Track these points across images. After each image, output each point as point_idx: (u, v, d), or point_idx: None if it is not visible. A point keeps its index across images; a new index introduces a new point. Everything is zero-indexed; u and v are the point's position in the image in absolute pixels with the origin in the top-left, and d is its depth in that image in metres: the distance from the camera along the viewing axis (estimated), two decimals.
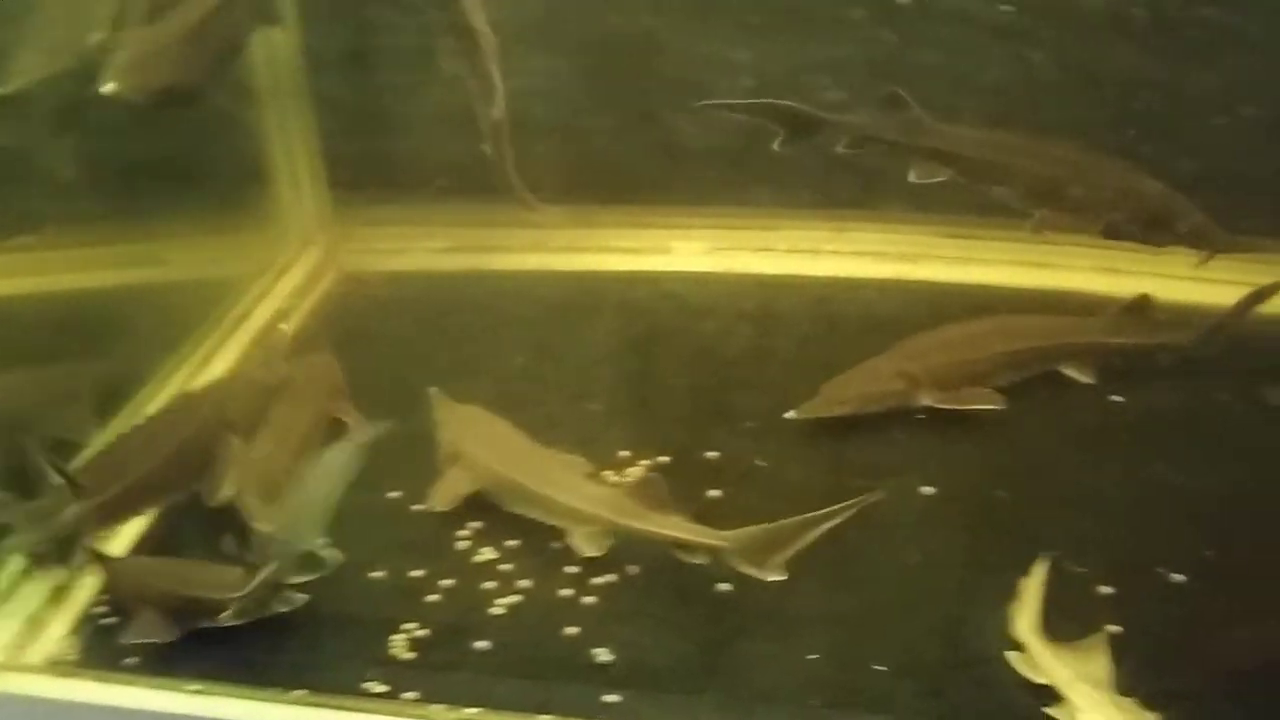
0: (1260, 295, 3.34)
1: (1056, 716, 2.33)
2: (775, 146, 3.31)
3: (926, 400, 3.20)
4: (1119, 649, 2.48)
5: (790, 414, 3.14)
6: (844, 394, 3.18)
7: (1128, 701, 2.30)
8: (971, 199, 3.44)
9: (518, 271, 4.03)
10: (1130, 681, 2.38)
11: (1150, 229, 3.24)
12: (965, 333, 3.36)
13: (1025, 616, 2.54)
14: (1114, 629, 2.54)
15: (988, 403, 3.19)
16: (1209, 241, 3.23)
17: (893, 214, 4.05)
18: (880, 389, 3.19)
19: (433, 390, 3.19)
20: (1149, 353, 3.38)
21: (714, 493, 2.96)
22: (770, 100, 3.32)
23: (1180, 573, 2.72)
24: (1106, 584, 2.68)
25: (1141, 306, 3.43)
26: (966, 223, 4.05)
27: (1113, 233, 3.27)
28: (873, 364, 3.27)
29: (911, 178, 3.34)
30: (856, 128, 3.33)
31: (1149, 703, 2.31)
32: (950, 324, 3.37)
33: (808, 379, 3.32)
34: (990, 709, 2.42)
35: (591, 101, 3.91)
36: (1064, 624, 2.53)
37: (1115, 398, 3.32)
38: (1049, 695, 2.38)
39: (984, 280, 3.93)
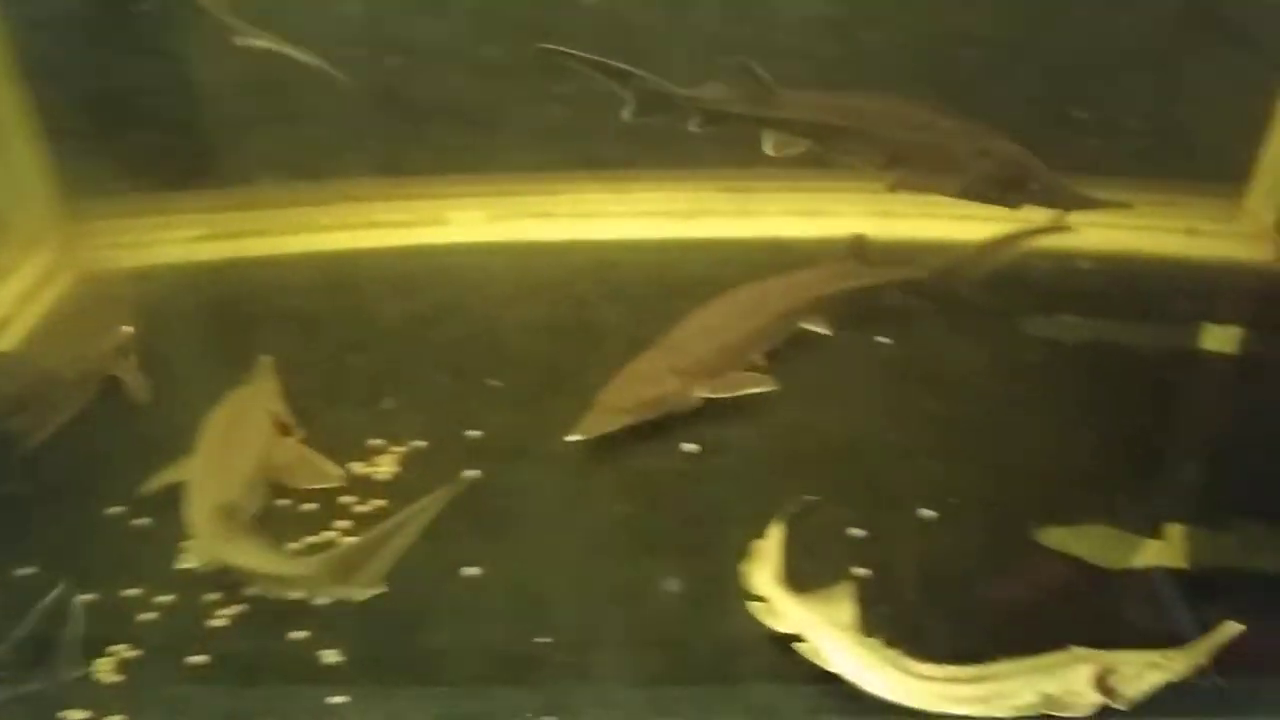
0: (1004, 242, 3.44)
1: (808, 656, 2.33)
2: (625, 116, 3.23)
3: (702, 393, 3.05)
4: (869, 589, 2.50)
5: (573, 436, 2.88)
6: (621, 403, 2.97)
7: (872, 641, 2.30)
8: (744, 153, 3.40)
9: (280, 256, 3.83)
10: (878, 620, 2.39)
11: (1005, 189, 3.23)
12: (719, 315, 3.21)
13: (765, 568, 2.52)
14: (862, 571, 2.57)
15: (760, 385, 3.09)
16: (1061, 200, 3.25)
17: (671, 171, 4.04)
18: (657, 392, 3.01)
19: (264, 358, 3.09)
20: (880, 292, 3.42)
21: (472, 472, 2.86)
22: (619, 64, 3.21)
23: (931, 508, 2.75)
24: (859, 526, 2.70)
25: (859, 249, 3.48)
26: (743, 176, 4.06)
27: (970, 194, 3.25)
28: (642, 365, 3.07)
29: (768, 150, 3.29)
30: (706, 102, 3.25)
31: (893, 640, 2.32)
32: (700, 310, 3.20)
33: (587, 350, 3.27)
34: (731, 660, 2.41)
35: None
36: (817, 570, 2.53)
37: (881, 339, 3.36)
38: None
39: (762, 233, 3.95)
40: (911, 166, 3.25)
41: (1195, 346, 3.38)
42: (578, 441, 2.86)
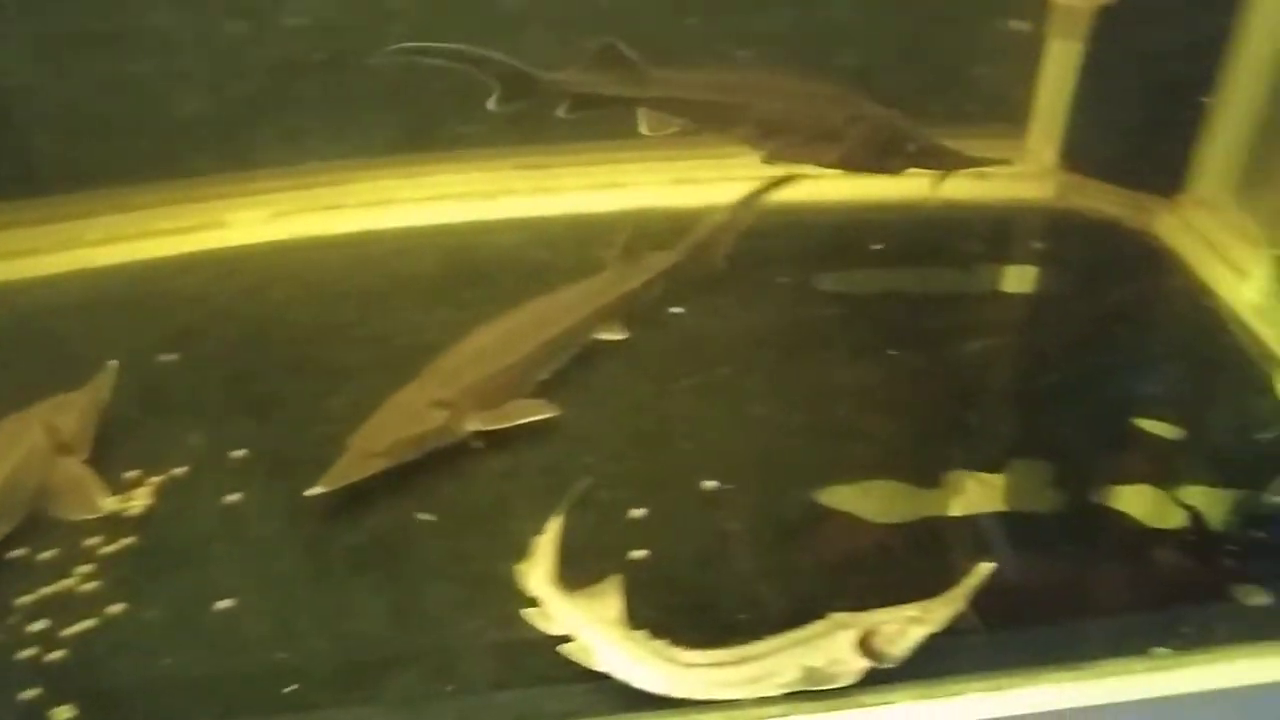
0: (742, 206, 3.30)
1: (575, 657, 2.20)
2: (490, 105, 3.05)
3: (474, 426, 2.72)
4: (646, 572, 2.39)
5: (314, 490, 2.51)
6: (376, 445, 2.60)
7: (638, 634, 2.18)
8: (538, 129, 3.29)
9: (44, 277, 3.52)
10: (655, 605, 2.28)
11: (883, 155, 3.12)
12: (495, 337, 2.91)
13: (538, 568, 2.37)
14: (640, 554, 2.46)
15: (539, 413, 2.78)
16: (941, 160, 3.13)
17: (465, 153, 3.85)
18: (418, 430, 2.65)
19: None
20: (656, 284, 3.23)
21: (232, 498, 2.63)
22: (479, 51, 3.03)
23: (714, 479, 2.63)
24: (641, 506, 2.56)
25: (631, 248, 3.23)
26: (538, 153, 3.87)
27: (848, 163, 3.14)
28: (403, 399, 2.72)
29: (643, 130, 3.15)
30: (574, 85, 3.09)
31: (665, 626, 2.20)
32: (476, 330, 2.90)
33: (371, 350, 3.07)
34: (501, 667, 2.25)
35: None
36: (598, 559, 2.40)
37: (674, 309, 3.24)
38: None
39: (562, 210, 3.77)
40: (787, 138, 3.14)
41: (985, 289, 3.33)
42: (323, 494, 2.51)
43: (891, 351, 3.04)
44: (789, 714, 2.11)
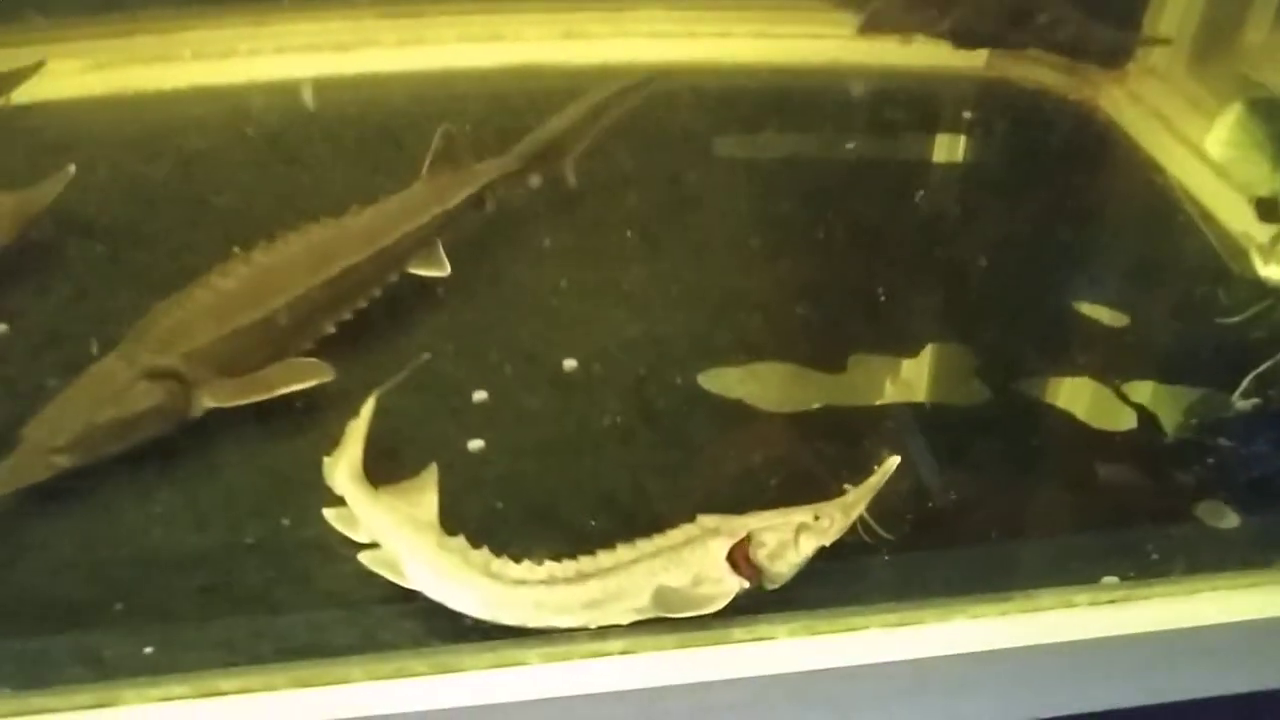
0: (594, 111, 2.49)
1: (379, 570, 1.64)
2: None
3: (213, 402, 1.90)
4: (481, 465, 1.85)
5: None
6: (58, 437, 1.79)
7: (455, 541, 1.62)
8: None
9: None
10: (480, 508, 1.76)
11: (1006, 27, 2.63)
12: (246, 278, 1.99)
13: (343, 460, 1.78)
14: (476, 444, 1.89)
15: (311, 377, 1.93)
16: (1080, 40, 2.67)
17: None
18: (121, 413, 1.83)
19: None
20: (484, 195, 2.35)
21: None
22: None
23: (575, 358, 2.04)
24: (482, 387, 1.98)
25: (451, 152, 2.31)
26: (405, 1, 3.28)
27: (961, 35, 2.64)
28: (103, 370, 1.89)
29: None
30: None
31: (487, 536, 1.63)
32: (227, 267, 2.01)
33: (184, 223, 2.37)
34: (291, 583, 1.67)
35: None
36: (425, 450, 1.82)
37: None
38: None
39: (433, 65, 3.13)
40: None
41: (905, 159, 2.74)
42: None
43: (794, 222, 2.45)
44: (634, 649, 1.54)
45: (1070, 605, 1.63)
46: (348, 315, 2.11)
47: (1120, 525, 1.80)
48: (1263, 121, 2.58)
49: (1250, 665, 1.66)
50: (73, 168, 2.33)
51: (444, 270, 2.22)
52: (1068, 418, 2.03)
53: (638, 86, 2.48)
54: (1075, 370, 2.11)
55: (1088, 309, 2.23)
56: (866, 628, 1.58)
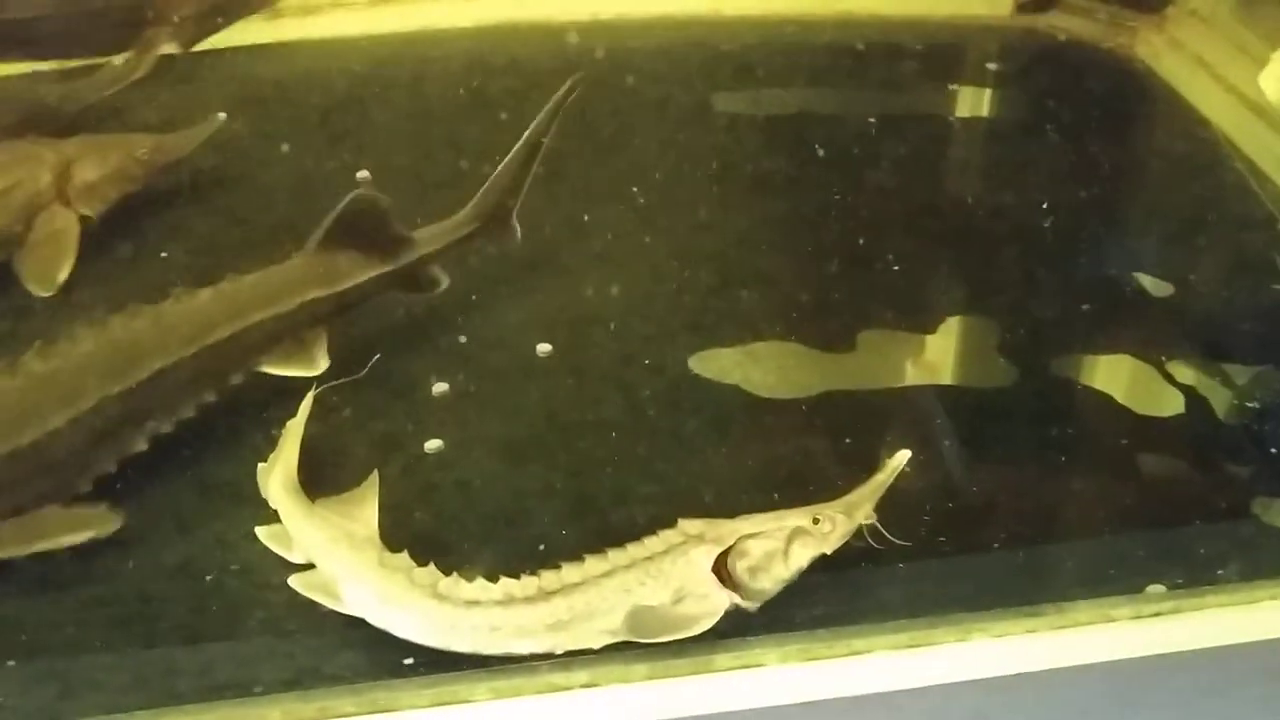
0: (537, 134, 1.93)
1: (313, 595, 1.39)
2: None
3: None
4: (439, 466, 1.60)
5: None
6: None
7: (398, 559, 1.37)
8: None
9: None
10: (434, 518, 1.51)
11: None
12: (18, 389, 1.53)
13: (277, 470, 1.53)
14: (435, 444, 1.63)
15: (84, 529, 1.47)
16: None
17: None
18: None
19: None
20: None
21: None
22: None
23: (550, 341, 1.77)
24: (444, 378, 1.71)
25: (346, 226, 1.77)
26: None
27: None
28: None
29: None
30: None
31: (438, 552, 1.40)
32: None
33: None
34: (219, 611, 1.42)
35: None
36: (377, 453, 1.59)
37: None
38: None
39: None
40: None
41: (924, 115, 2.42)
42: None
43: (799, 186, 2.16)
44: (598, 681, 1.29)
45: (1110, 619, 1.37)
46: (167, 428, 1.61)
47: (1167, 525, 1.53)
48: None
49: None
50: (222, 116, 2.14)
51: (314, 370, 1.70)
52: (1106, 401, 1.75)
53: (565, 96, 1.87)
54: (1114, 347, 1.83)
55: (1128, 277, 1.94)
56: (871, 651, 1.33)
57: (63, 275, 1.87)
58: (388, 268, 1.77)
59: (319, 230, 1.71)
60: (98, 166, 1.97)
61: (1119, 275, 1.96)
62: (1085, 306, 1.89)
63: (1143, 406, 1.74)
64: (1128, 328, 1.88)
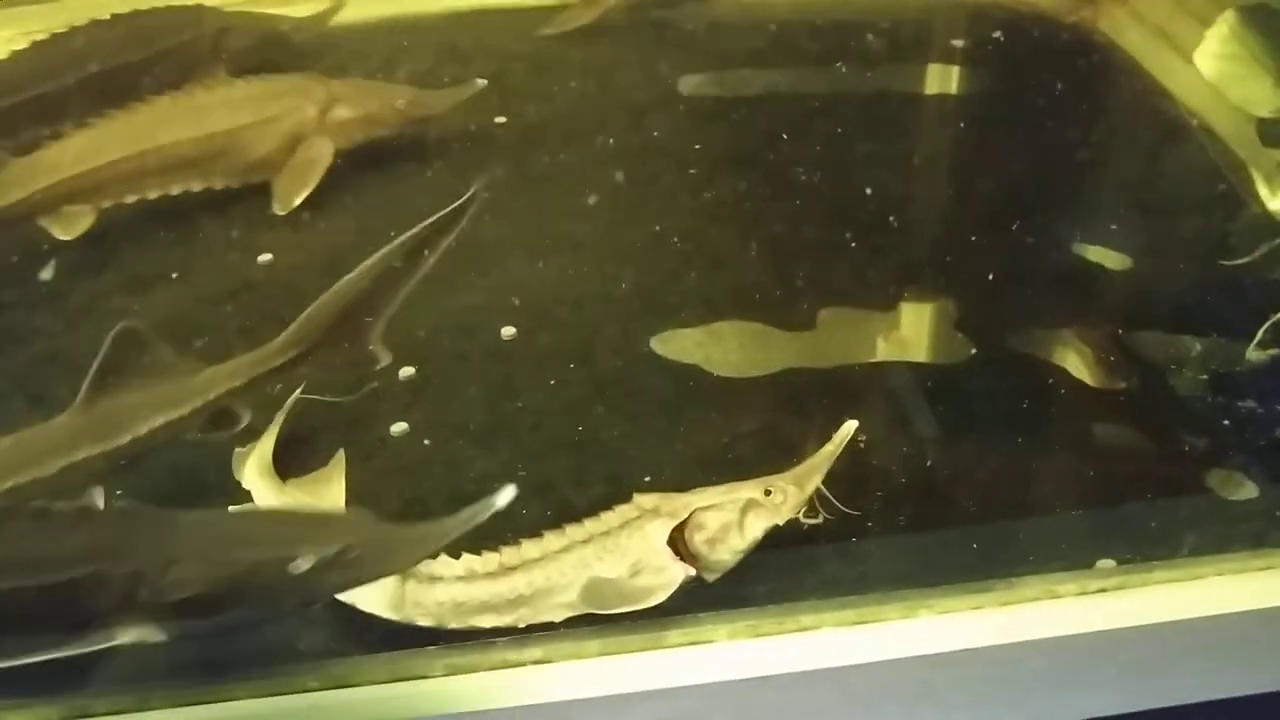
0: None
1: None
2: None
3: None
4: (404, 450, 1.57)
5: None
6: None
7: None
8: None
9: None
10: (399, 498, 1.48)
11: None
12: None
13: (254, 454, 1.52)
14: (400, 427, 1.59)
15: None
16: None
17: None
18: None
19: None
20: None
21: None
22: None
23: (515, 324, 1.73)
24: (410, 363, 1.67)
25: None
26: None
27: None
28: None
29: None
30: None
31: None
32: None
33: None
34: None
35: None
36: (341, 434, 1.56)
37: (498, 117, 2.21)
38: None
39: None
40: None
41: (883, 91, 2.30)
42: None
43: (758, 164, 2.08)
44: (550, 658, 1.27)
45: (1056, 595, 1.33)
46: None
47: (1119, 499, 1.49)
48: (1258, 32, 2.17)
49: (1272, 662, 1.36)
50: (482, 82, 2.13)
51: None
52: (1062, 374, 1.69)
53: (460, 209, 1.54)
54: (1071, 320, 1.78)
55: (1086, 251, 1.88)
56: (819, 627, 1.30)
57: (299, 199, 1.97)
58: (167, 417, 1.46)
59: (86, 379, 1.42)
60: (357, 107, 2.07)
61: (1079, 250, 1.89)
62: (1043, 281, 1.84)
63: (1097, 379, 1.68)
64: (1086, 301, 1.83)
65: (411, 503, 1.50)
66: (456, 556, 1.35)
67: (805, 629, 1.29)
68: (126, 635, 1.17)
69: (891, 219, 1.95)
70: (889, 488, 1.47)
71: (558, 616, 1.34)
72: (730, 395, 1.64)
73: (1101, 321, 1.76)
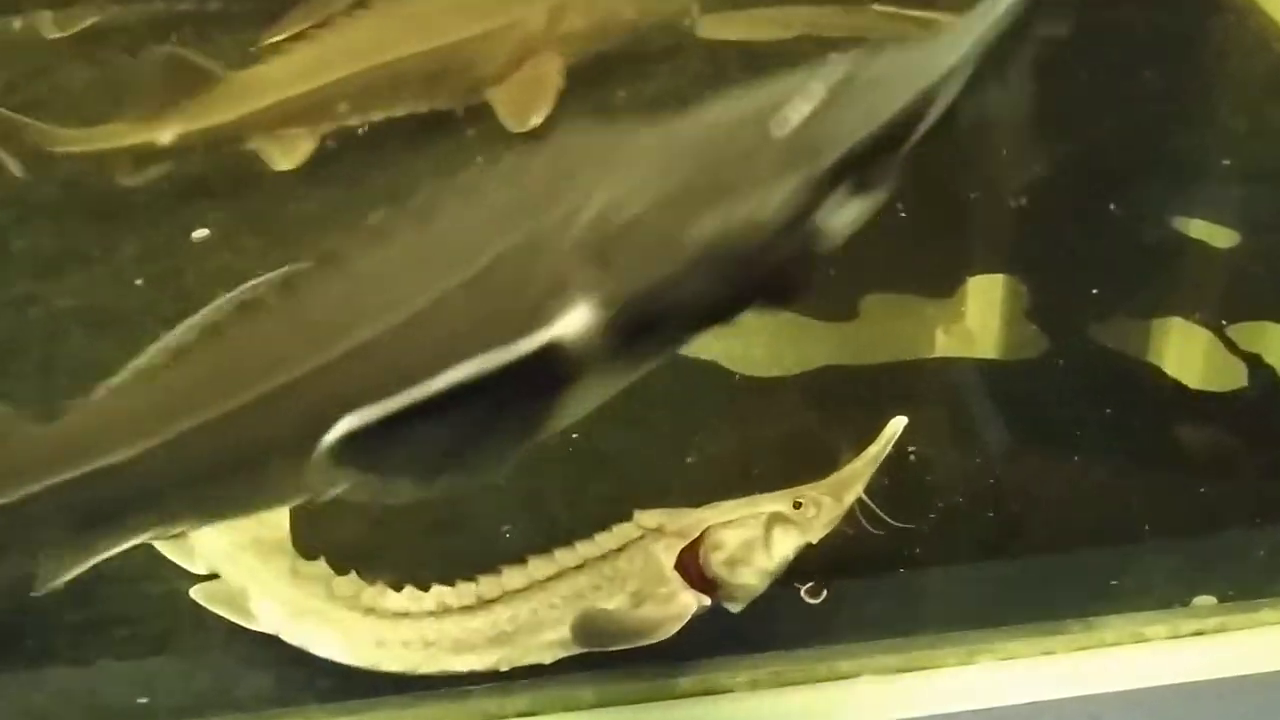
0: None
1: (218, 609, 1.35)
2: None
3: None
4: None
5: None
6: None
7: (313, 566, 1.34)
8: None
9: None
10: (360, 519, 1.44)
11: None
12: None
13: None
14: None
15: None
16: None
17: None
18: None
19: None
20: None
21: None
22: None
23: None
24: None
25: None
26: None
27: None
28: None
29: None
30: None
31: (361, 558, 1.36)
32: None
33: None
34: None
35: None
36: None
37: None
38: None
39: None
40: None
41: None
42: None
43: None
44: (538, 710, 1.26)
45: (1143, 639, 1.31)
46: None
47: (1222, 524, 1.46)
48: None
49: None
50: None
51: None
52: (1155, 373, 1.67)
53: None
54: (1167, 308, 1.74)
55: (1187, 225, 1.85)
56: (858, 675, 1.27)
57: (537, 118, 2.01)
58: None
59: None
60: (586, 17, 2.14)
61: (1178, 224, 1.85)
62: (1133, 261, 1.80)
63: (1198, 379, 1.66)
64: (1185, 286, 1.82)
65: (369, 522, 1.45)
66: (425, 588, 1.34)
67: (841, 677, 1.27)
68: None
69: (950, 187, 1.91)
70: (944, 509, 1.44)
71: (547, 657, 1.31)
72: (754, 398, 1.62)
73: (1204, 309, 1.72)
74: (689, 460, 1.55)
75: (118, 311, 1.77)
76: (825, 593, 1.34)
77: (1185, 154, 2.04)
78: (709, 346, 1.69)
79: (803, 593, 1.31)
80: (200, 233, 1.89)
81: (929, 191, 1.88)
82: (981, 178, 1.97)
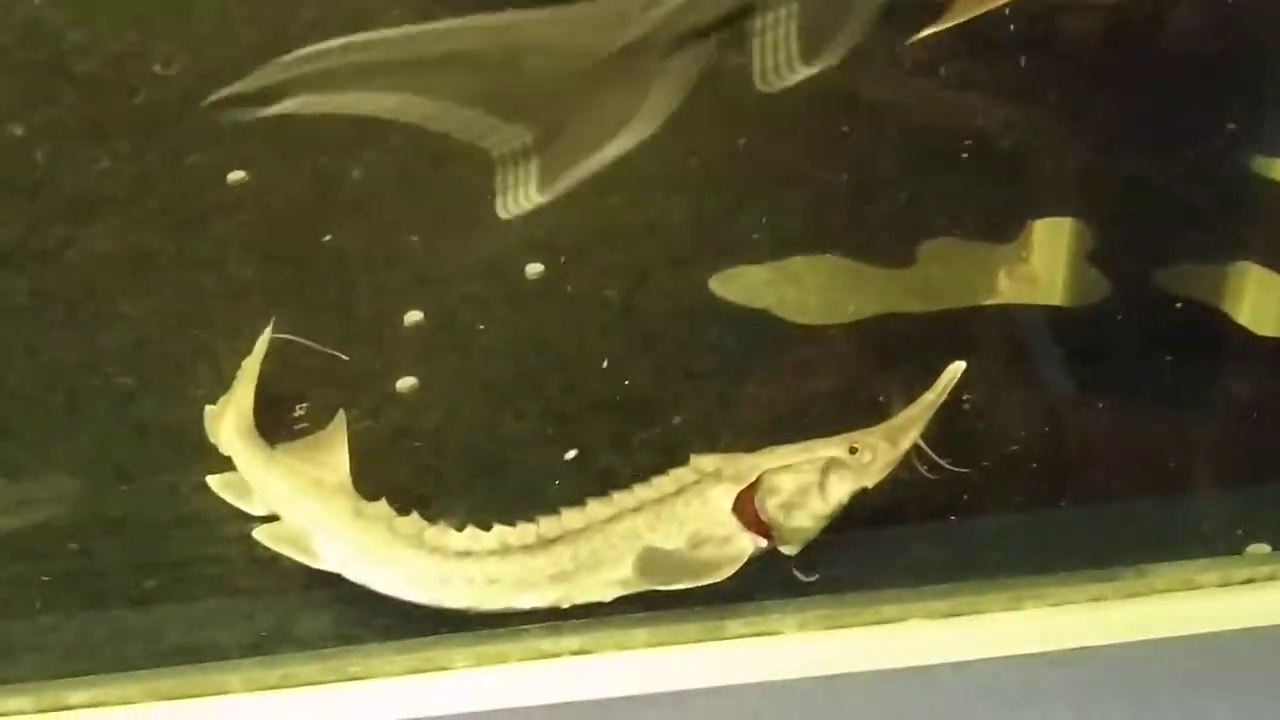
0: None
1: (281, 549, 1.63)
2: None
3: None
4: (416, 408, 1.83)
5: None
6: None
7: (375, 507, 1.60)
8: None
9: None
10: (412, 465, 1.74)
11: None
12: None
13: (230, 412, 1.77)
14: (409, 381, 1.86)
15: None
16: None
17: None
18: None
19: None
20: None
21: None
22: None
23: (542, 261, 1.97)
24: (417, 306, 1.94)
25: None
26: None
27: None
28: None
29: None
30: None
31: (420, 500, 1.65)
32: None
33: None
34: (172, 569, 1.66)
35: None
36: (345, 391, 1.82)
37: None
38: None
39: None
40: None
41: None
42: None
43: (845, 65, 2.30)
44: (592, 648, 1.49)
45: (1195, 586, 1.54)
46: None
47: (1277, 473, 1.69)
48: None
49: None
50: None
51: None
52: (1222, 319, 1.91)
53: None
54: (1239, 253, 1.98)
55: (1259, 164, 2.08)
56: (905, 619, 1.52)
57: None
58: None
59: None
60: None
61: (1254, 164, 2.08)
62: (1202, 202, 2.04)
63: (1268, 327, 1.89)
64: (1260, 228, 2.04)
65: (424, 470, 1.74)
66: (487, 528, 1.59)
67: (888, 620, 1.52)
68: None
69: (1010, 128, 2.14)
70: (997, 455, 1.69)
71: (606, 596, 1.57)
72: (808, 346, 1.87)
73: (1274, 253, 1.95)
74: (740, 410, 1.80)
75: None
76: (817, 574, 1.56)
77: (1264, 88, 2.24)
78: (762, 294, 1.96)
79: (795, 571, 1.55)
80: None
81: (989, 131, 2.15)
82: (1043, 117, 2.20)
